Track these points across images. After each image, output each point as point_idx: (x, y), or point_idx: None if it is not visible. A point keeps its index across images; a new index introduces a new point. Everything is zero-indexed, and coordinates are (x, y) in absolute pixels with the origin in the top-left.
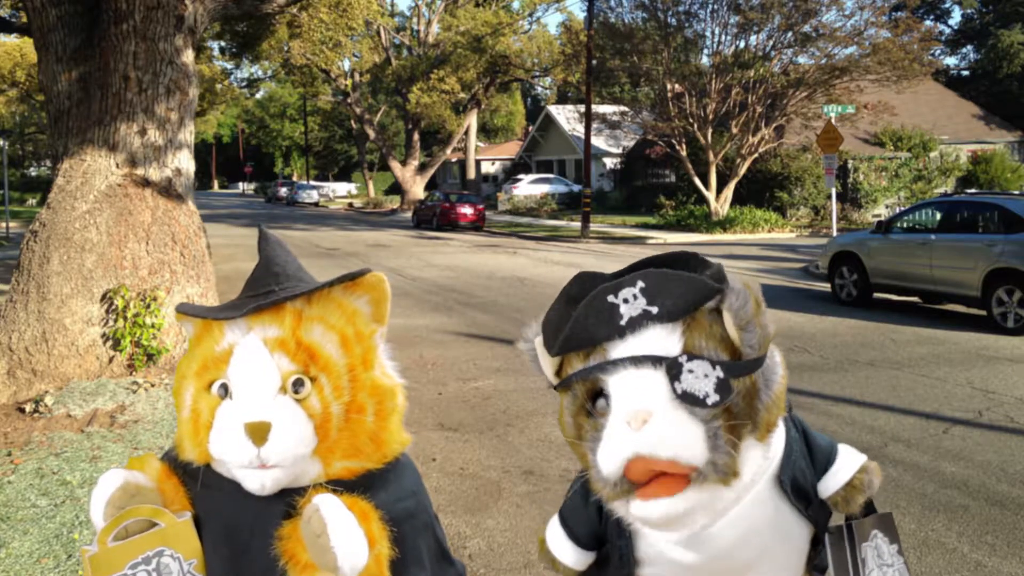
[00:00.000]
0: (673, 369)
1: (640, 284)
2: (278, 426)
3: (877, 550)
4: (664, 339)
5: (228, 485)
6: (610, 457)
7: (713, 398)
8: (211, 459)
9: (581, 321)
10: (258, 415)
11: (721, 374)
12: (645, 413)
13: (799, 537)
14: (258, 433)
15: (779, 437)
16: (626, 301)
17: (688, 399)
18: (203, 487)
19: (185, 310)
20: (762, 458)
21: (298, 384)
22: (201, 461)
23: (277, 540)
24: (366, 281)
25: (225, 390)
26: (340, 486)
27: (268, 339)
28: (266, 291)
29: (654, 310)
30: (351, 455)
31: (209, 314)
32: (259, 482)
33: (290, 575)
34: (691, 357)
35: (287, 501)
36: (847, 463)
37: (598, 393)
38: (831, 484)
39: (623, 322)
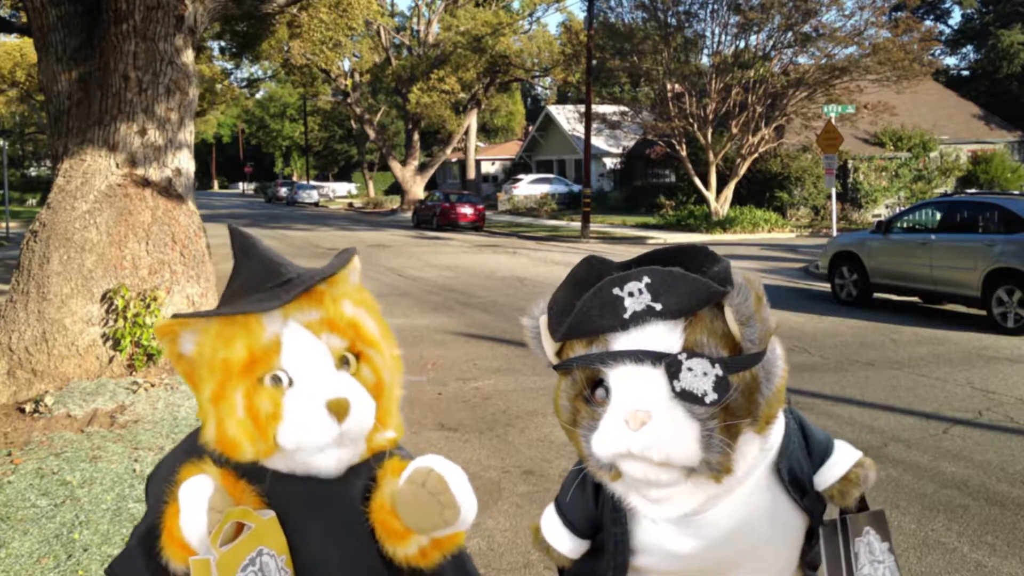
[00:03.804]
0: (672, 367)
1: (646, 280)
2: (355, 401)
3: (869, 546)
4: (666, 335)
5: (295, 475)
6: (604, 448)
7: (711, 396)
8: (275, 452)
9: (586, 311)
10: (337, 392)
11: (720, 372)
12: (644, 414)
13: (794, 529)
14: (340, 409)
15: (778, 428)
16: (631, 295)
17: (686, 397)
18: (273, 481)
19: (199, 314)
20: (759, 450)
21: (346, 361)
22: (264, 457)
23: (367, 515)
24: (354, 260)
25: (280, 380)
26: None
27: (311, 322)
28: (286, 280)
29: (658, 307)
30: (387, 426)
31: (248, 308)
32: (336, 460)
33: (386, 546)
34: (691, 355)
35: (366, 476)
36: (844, 457)
37: (598, 382)
38: (827, 477)
39: (627, 315)
